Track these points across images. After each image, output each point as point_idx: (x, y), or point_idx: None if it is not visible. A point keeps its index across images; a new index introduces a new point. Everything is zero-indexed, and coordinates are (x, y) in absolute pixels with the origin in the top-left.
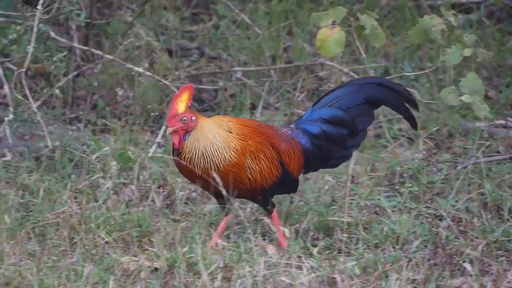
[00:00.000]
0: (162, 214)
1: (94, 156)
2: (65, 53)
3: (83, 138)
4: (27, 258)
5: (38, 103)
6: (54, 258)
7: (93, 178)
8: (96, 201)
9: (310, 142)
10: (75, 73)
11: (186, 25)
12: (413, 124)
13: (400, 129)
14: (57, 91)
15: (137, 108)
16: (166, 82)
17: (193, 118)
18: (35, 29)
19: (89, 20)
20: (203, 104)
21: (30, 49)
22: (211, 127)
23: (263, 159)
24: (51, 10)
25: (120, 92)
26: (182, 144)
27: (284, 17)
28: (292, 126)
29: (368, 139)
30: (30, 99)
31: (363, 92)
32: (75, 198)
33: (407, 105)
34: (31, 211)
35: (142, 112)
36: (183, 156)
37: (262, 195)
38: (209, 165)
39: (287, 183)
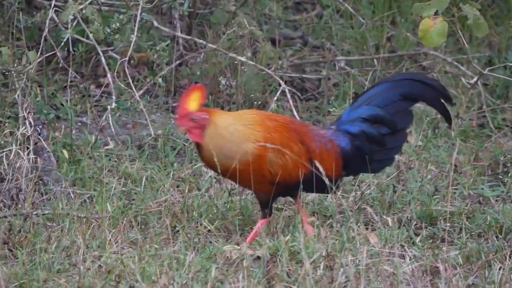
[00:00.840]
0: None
1: None
2: (168, 42)
3: None
4: (129, 246)
5: (141, 92)
6: (156, 246)
7: (195, 166)
8: (199, 189)
9: (350, 144)
10: (178, 62)
11: (290, 14)
12: (448, 119)
13: (504, 119)
14: (160, 80)
15: (240, 97)
16: (269, 71)
17: (204, 116)
18: (138, 18)
19: (192, 10)
20: (306, 94)
21: (133, 38)
22: (227, 123)
23: (287, 153)
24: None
25: (223, 81)
26: (201, 138)
27: (387, 7)
28: (333, 127)
29: (472, 128)
30: (133, 88)
31: (398, 88)
32: (178, 186)
33: (442, 100)
34: (133, 200)
35: (245, 101)
36: (202, 155)
37: (286, 190)
38: (227, 161)
39: (317, 183)
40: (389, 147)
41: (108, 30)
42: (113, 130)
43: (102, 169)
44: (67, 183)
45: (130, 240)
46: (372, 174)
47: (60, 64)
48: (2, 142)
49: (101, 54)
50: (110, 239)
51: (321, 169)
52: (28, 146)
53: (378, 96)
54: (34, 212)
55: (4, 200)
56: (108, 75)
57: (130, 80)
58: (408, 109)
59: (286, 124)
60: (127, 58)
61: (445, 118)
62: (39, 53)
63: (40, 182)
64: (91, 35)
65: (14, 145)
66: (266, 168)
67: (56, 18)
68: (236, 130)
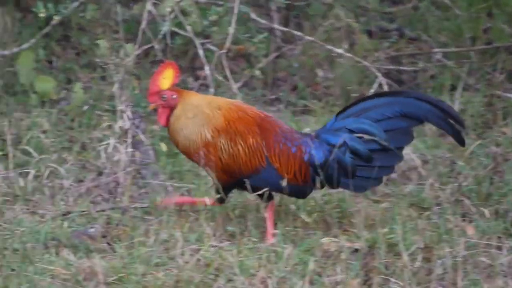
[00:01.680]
0: (362, 195)
1: None
2: (266, 34)
3: (284, 119)
4: (227, 240)
5: (239, 84)
6: (254, 239)
7: None
8: None
9: (324, 154)
10: (275, 54)
11: (386, 6)
12: (460, 141)
13: None
14: (257, 72)
15: (337, 89)
16: (366, 63)
17: (174, 96)
18: (235, 10)
19: (289, 2)
20: (403, 86)
21: (231, 30)
22: (193, 105)
23: (240, 144)
24: None
25: (320, 73)
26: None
27: None
28: (312, 134)
29: None
30: (231, 80)
31: (397, 105)
32: None
33: (451, 121)
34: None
35: (342, 93)
36: (169, 133)
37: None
38: (186, 142)
39: (275, 184)
40: (378, 165)
41: (206, 23)
42: None
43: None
44: (165, 176)
45: (228, 233)
46: (354, 192)
47: (158, 57)
48: (101, 135)
49: (198, 46)
50: (208, 232)
51: (276, 167)
52: (126, 139)
53: (373, 110)
54: (132, 206)
55: (102, 194)
56: (206, 67)
57: (228, 73)
58: (407, 128)
59: (254, 119)
60: (224, 51)
61: (456, 140)
62: (136, 46)
63: (138, 175)
64: (188, 28)
65: (112, 138)
66: (217, 155)
67: (153, 11)
68: (201, 113)
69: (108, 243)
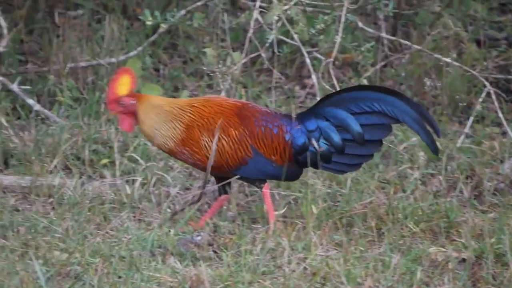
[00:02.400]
0: (470, 205)
1: (401, 147)
2: (373, 43)
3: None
4: (334, 248)
5: None
6: (362, 248)
7: (400, 168)
8: (404, 191)
9: (303, 137)
10: (382, 63)
11: (495, 15)
12: (433, 148)
13: None
14: (364, 81)
15: (445, 99)
16: (474, 72)
17: (132, 101)
18: (342, 19)
19: (397, 10)
20: (511, 95)
21: (338, 39)
22: (155, 106)
23: (224, 138)
24: (358, 0)
25: (428, 82)
26: (133, 127)
27: None
28: (294, 115)
29: None
30: (338, 89)
31: (379, 102)
32: (383, 188)
33: (428, 127)
34: (338, 201)
35: (450, 102)
36: (148, 141)
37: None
38: (161, 142)
39: (262, 168)
40: (355, 153)
41: (313, 31)
42: None
43: (307, 170)
44: (272, 185)
45: (335, 242)
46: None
47: (265, 65)
48: None
49: (305, 55)
50: (315, 241)
51: (261, 153)
52: None
53: (354, 101)
54: (239, 214)
55: (209, 201)
56: (313, 76)
57: (335, 81)
58: (386, 124)
59: (231, 110)
60: (331, 59)
61: (428, 146)
62: (243, 54)
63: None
64: (295, 36)
65: None
66: (202, 153)
67: (260, 19)
68: (163, 111)
69: (215, 251)
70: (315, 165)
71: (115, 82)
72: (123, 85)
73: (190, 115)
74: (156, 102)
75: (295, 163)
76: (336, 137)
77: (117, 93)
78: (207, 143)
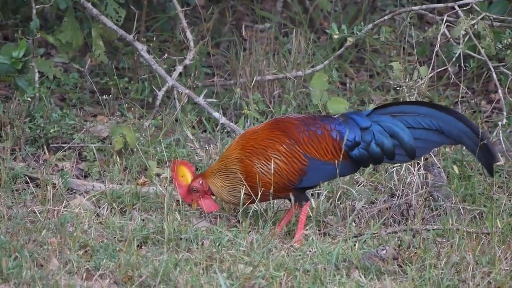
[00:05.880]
0: None
1: None
2: None
3: None
4: None
5: None
6: None
7: None
8: None
9: (353, 132)
10: None
11: None
12: (490, 172)
13: None
14: None
15: None
16: None
17: (201, 182)
18: None
19: None
20: None
21: None
22: (215, 173)
23: (276, 157)
24: None
25: None
26: (216, 204)
27: None
28: (336, 115)
29: None
30: None
31: (437, 120)
32: None
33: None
34: None
35: None
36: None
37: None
38: (238, 198)
39: (322, 171)
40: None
41: (500, 46)
42: (503, 146)
43: (493, 185)
44: (457, 199)
45: None
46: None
47: (452, 80)
48: None
49: (492, 69)
50: (499, 255)
51: (315, 157)
52: (418, 161)
53: (411, 116)
54: (424, 228)
55: (394, 215)
56: (499, 91)
57: None
58: (438, 143)
59: (268, 128)
60: None
61: (486, 170)
62: (430, 68)
63: (430, 197)
64: (482, 51)
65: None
66: (265, 180)
67: (447, 33)
68: (223, 173)
69: (399, 265)
70: (373, 162)
71: (177, 178)
72: (184, 175)
73: (236, 155)
74: (213, 168)
75: (349, 159)
76: (389, 143)
77: (185, 185)
78: (262, 168)
